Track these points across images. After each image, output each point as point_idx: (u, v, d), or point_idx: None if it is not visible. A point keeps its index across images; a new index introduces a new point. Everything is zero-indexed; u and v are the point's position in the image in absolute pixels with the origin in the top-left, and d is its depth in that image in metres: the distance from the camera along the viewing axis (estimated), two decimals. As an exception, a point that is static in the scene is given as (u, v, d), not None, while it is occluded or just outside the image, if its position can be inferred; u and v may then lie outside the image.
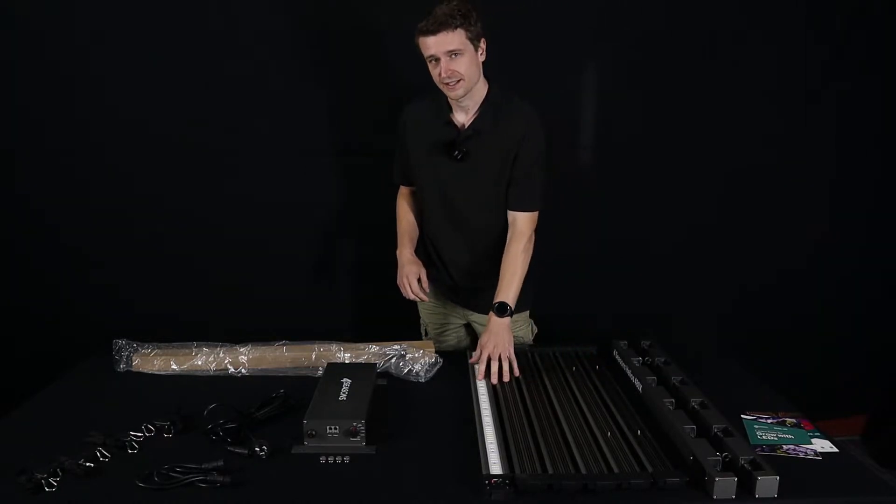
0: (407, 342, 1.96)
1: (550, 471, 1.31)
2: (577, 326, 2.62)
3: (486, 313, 1.87)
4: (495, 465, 1.32)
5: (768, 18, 2.48)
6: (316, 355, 1.82)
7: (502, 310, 1.82)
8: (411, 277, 1.93)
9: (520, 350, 1.90)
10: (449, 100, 1.83)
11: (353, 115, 2.44)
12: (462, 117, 1.86)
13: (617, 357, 1.85)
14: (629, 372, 1.75)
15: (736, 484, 1.24)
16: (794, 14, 2.49)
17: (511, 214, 1.91)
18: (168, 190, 2.42)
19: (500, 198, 1.92)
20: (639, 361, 1.80)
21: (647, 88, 2.54)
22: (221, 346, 1.85)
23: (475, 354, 1.83)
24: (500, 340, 1.78)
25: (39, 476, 1.26)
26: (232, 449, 1.39)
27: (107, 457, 1.36)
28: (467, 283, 2.05)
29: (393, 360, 1.79)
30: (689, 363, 1.75)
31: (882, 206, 2.79)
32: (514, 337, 1.84)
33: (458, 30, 1.69)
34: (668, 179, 2.65)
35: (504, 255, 1.90)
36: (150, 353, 1.83)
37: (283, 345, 1.86)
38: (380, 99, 2.36)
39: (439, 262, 2.07)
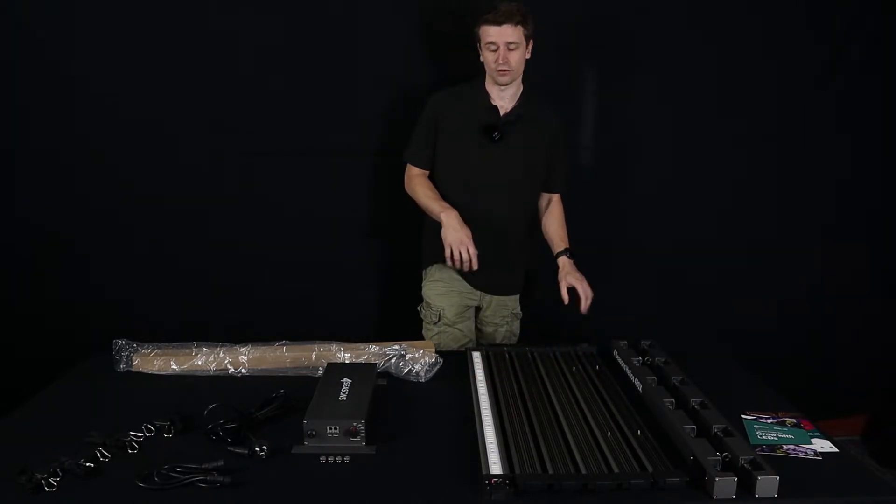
0: (407, 342, 1.96)
1: (550, 471, 1.31)
2: (577, 327, 2.62)
3: (502, 294, 2.25)
4: (495, 465, 1.32)
5: (768, 18, 2.49)
6: (316, 355, 1.82)
7: (568, 253, 2.17)
8: (468, 241, 1.95)
9: (520, 350, 1.93)
10: (489, 88, 2.05)
11: (354, 114, 2.44)
12: (501, 103, 2.07)
13: (617, 357, 1.85)
14: (629, 372, 1.75)
15: (736, 484, 1.24)
16: (794, 14, 2.50)
17: (547, 196, 2.26)
18: (168, 190, 2.43)
19: (527, 183, 2.16)
20: (639, 361, 1.80)
21: (647, 89, 2.54)
22: (221, 346, 1.85)
23: (566, 289, 2.08)
24: (578, 274, 2.12)
25: (39, 476, 1.26)
26: (232, 449, 1.39)
27: (107, 457, 1.36)
28: (488, 267, 2.07)
29: (393, 360, 1.79)
30: (690, 363, 1.75)
31: (882, 206, 2.79)
32: (516, 312, 2.31)
33: (519, 26, 1.93)
34: (668, 180, 2.65)
35: (550, 221, 2.24)
36: (150, 353, 1.83)
37: (283, 345, 1.86)
38: (387, 99, 2.37)
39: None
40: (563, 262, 2.16)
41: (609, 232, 2.70)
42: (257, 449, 1.37)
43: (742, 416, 1.56)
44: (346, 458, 1.37)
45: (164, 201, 2.43)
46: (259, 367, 1.81)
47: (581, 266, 2.67)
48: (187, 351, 1.83)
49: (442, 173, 2.13)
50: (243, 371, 1.80)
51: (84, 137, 2.33)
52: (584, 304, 2.05)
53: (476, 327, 2.29)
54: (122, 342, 1.84)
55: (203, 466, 1.29)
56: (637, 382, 1.69)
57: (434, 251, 2.14)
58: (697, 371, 1.69)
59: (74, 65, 2.26)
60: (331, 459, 1.37)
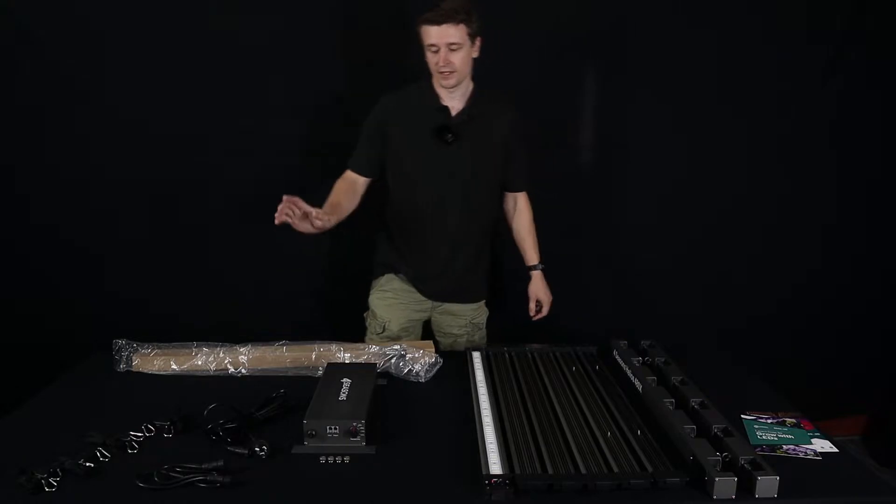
0: (407, 342, 1.96)
1: (550, 471, 1.31)
2: (576, 327, 2.62)
3: (456, 302, 2.16)
4: (495, 465, 1.32)
5: (768, 18, 2.49)
6: (316, 355, 1.82)
7: (541, 266, 2.21)
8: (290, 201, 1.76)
9: (520, 350, 1.93)
10: (437, 88, 1.94)
11: (356, 114, 2.44)
12: (452, 103, 1.96)
13: (617, 357, 1.85)
14: (629, 372, 1.75)
15: (736, 484, 1.24)
16: (795, 14, 2.50)
17: (512, 196, 2.19)
18: (168, 190, 2.42)
19: (483, 185, 2.05)
20: (639, 361, 1.80)
21: (646, 89, 2.54)
22: (221, 346, 1.85)
23: (534, 304, 2.20)
24: (548, 292, 2.21)
25: (39, 476, 1.26)
26: (232, 449, 1.39)
27: (107, 457, 1.36)
28: (439, 272, 2.07)
29: (393, 360, 1.79)
30: (690, 363, 1.75)
31: (882, 206, 2.79)
32: (476, 323, 2.22)
33: (461, 25, 1.80)
34: (668, 180, 2.65)
35: (520, 227, 2.21)
36: (150, 353, 1.83)
37: (283, 345, 1.86)
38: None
39: (413, 254, 2.09)
40: (536, 276, 2.21)
41: (609, 231, 2.70)
42: (257, 449, 1.37)
43: (742, 416, 1.56)
44: (346, 458, 1.37)
45: (164, 201, 2.43)
46: (259, 367, 1.81)
47: (581, 265, 2.69)
48: (187, 351, 1.83)
49: (394, 179, 2.05)
50: (243, 371, 1.80)
51: (84, 137, 2.33)
52: (535, 317, 2.21)
53: (434, 339, 2.20)
54: (122, 342, 1.84)
55: (203, 466, 1.29)
56: (637, 382, 1.69)
57: (385, 261, 2.14)
58: (697, 371, 1.69)
59: (77, 65, 2.26)
60: (331, 459, 1.37)
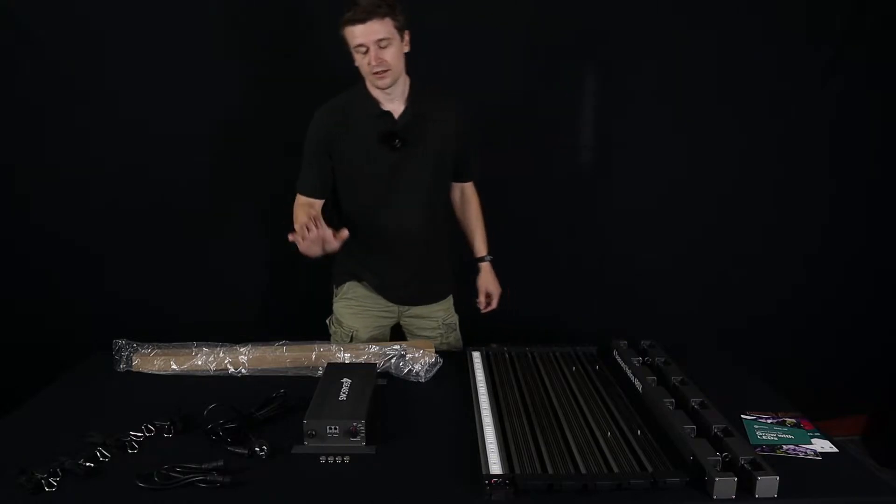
0: (407, 342, 1.96)
1: (550, 471, 1.31)
2: (576, 327, 2.62)
3: (423, 304, 2.09)
4: (495, 465, 1.32)
5: (768, 18, 2.49)
6: (316, 355, 1.82)
7: (489, 258, 2.16)
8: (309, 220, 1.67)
9: (520, 350, 1.92)
10: (374, 92, 1.82)
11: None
12: (392, 106, 1.85)
13: (617, 357, 1.85)
14: (629, 372, 1.75)
15: (736, 484, 1.24)
16: (795, 14, 2.50)
17: (459, 186, 2.11)
18: (168, 190, 2.42)
19: (436, 185, 1.99)
20: (639, 361, 1.80)
21: (646, 89, 2.54)
22: (221, 346, 1.85)
23: (483, 297, 2.14)
24: (496, 284, 2.16)
25: (39, 476, 1.26)
26: (232, 449, 1.39)
27: (107, 457, 1.36)
28: (407, 278, 2.03)
29: (393, 360, 1.79)
30: (689, 363, 1.75)
31: (882, 206, 2.79)
32: (449, 324, 2.15)
33: (387, 18, 1.70)
34: (668, 180, 2.65)
35: (469, 217, 2.14)
36: (150, 353, 1.83)
37: (283, 345, 1.85)
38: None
39: (375, 263, 2.02)
40: (486, 268, 2.15)
41: (609, 231, 2.70)
42: (257, 449, 1.37)
43: (742, 416, 1.56)
44: (346, 458, 1.37)
45: (164, 201, 2.43)
46: (259, 367, 1.81)
47: (581, 266, 2.69)
48: (187, 351, 1.83)
49: (345, 194, 1.94)
50: (243, 371, 1.80)
51: (84, 136, 2.33)
52: (485, 310, 2.16)
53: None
54: (122, 342, 1.84)
55: (203, 466, 1.29)
56: (637, 382, 1.69)
57: (346, 268, 2.05)
58: (697, 371, 1.69)
59: (77, 64, 2.26)
60: (331, 459, 1.37)
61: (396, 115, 1.86)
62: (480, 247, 2.16)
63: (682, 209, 2.68)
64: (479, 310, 2.18)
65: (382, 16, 1.69)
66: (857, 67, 2.58)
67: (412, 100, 1.86)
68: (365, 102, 1.84)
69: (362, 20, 1.67)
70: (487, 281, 2.16)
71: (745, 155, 2.64)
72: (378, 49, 1.71)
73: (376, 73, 1.73)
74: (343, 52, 1.78)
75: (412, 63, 1.84)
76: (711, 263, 2.74)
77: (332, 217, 1.94)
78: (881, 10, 2.53)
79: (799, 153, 2.67)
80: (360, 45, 1.71)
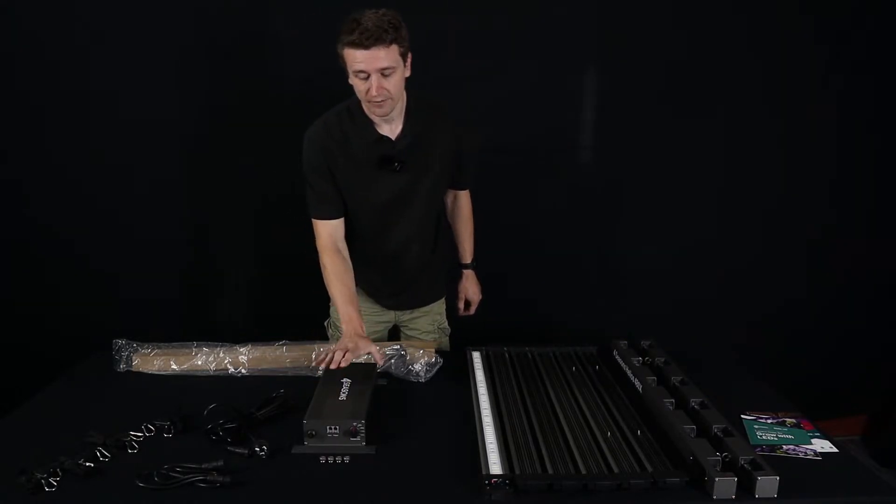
0: (407, 342, 1.96)
1: (550, 471, 1.31)
2: (576, 327, 2.62)
3: (419, 307, 2.08)
4: (495, 465, 1.32)
5: (768, 18, 2.49)
6: (316, 355, 1.82)
7: (472, 265, 2.17)
8: (352, 354, 1.64)
9: (520, 350, 1.93)
10: (368, 113, 1.71)
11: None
12: (388, 129, 1.75)
13: (617, 357, 1.85)
14: (629, 372, 1.75)
15: (736, 484, 1.24)
16: (795, 14, 2.50)
17: (453, 192, 2.06)
18: (168, 190, 2.43)
19: (435, 202, 1.94)
20: (639, 361, 1.80)
21: (646, 89, 2.54)
22: (221, 346, 1.85)
23: (462, 303, 2.17)
24: (478, 290, 2.18)
25: (39, 476, 1.26)
26: (232, 449, 1.39)
27: (107, 457, 1.36)
28: (400, 289, 2.02)
29: (393, 360, 1.79)
30: (689, 363, 1.75)
31: (882, 206, 2.79)
32: (444, 328, 2.15)
33: (392, 45, 1.56)
34: (668, 180, 2.65)
35: (458, 224, 2.11)
36: (150, 353, 1.83)
37: (283, 345, 1.86)
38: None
39: (369, 273, 1.99)
40: (469, 274, 2.17)
41: (609, 231, 2.70)
42: (257, 449, 1.37)
43: (742, 416, 1.56)
44: (346, 458, 1.38)
45: (164, 201, 2.43)
46: (259, 367, 1.81)
47: (581, 265, 2.69)
48: (187, 351, 1.83)
49: (346, 215, 1.86)
50: (243, 371, 1.80)
51: (84, 136, 2.33)
52: (462, 314, 2.20)
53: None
54: (121, 342, 1.84)
55: (203, 466, 1.29)
56: (637, 382, 1.69)
57: None
58: (697, 371, 1.69)
59: (74, 63, 2.26)
60: (331, 459, 1.37)
61: (394, 137, 1.75)
62: (466, 253, 2.15)
63: (682, 209, 2.68)
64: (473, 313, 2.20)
65: (389, 43, 1.54)
66: (857, 67, 2.58)
67: (410, 120, 1.75)
68: (359, 126, 1.73)
69: (365, 46, 1.53)
70: (468, 287, 2.18)
71: (745, 155, 2.64)
72: (380, 78, 1.58)
73: (376, 102, 1.62)
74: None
75: (413, 63, 1.84)
76: (712, 263, 2.74)
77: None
78: (881, 10, 2.53)
79: (800, 153, 2.67)
80: (361, 72, 1.58)
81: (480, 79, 2.40)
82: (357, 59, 1.56)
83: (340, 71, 1.63)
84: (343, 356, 1.62)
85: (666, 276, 2.73)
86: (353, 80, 1.63)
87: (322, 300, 2.15)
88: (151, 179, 2.41)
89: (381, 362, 1.70)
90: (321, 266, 1.82)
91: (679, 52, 2.50)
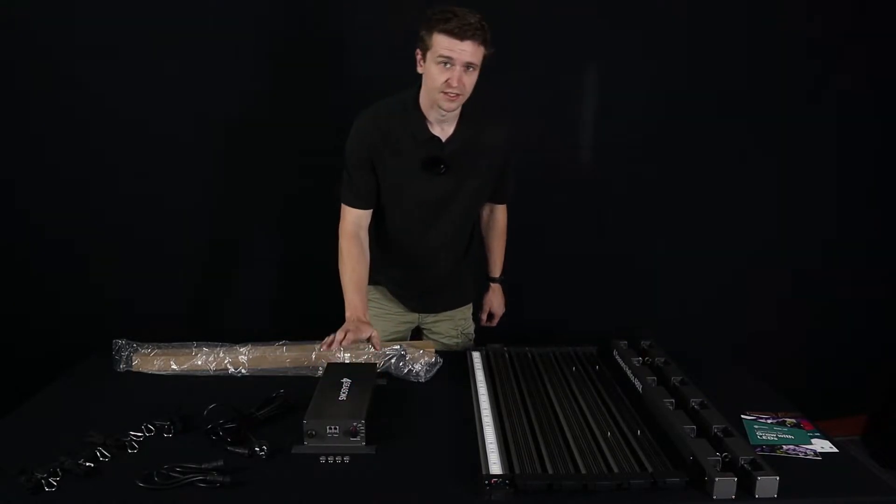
0: (407, 342, 1.96)
1: (550, 471, 1.31)
2: (576, 327, 2.62)
3: (444, 310, 2.09)
4: (495, 465, 1.32)
5: (769, 19, 2.49)
6: (316, 355, 1.82)
7: (500, 279, 2.18)
8: (353, 335, 1.68)
9: (520, 350, 1.93)
10: (425, 109, 1.71)
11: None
12: (440, 129, 1.75)
13: (617, 357, 1.85)
14: (629, 372, 1.75)
15: (736, 484, 1.24)
16: (795, 14, 2.50)
17: (490, 206, 2.06)
18: (168, 190, 2.43)
19: (474, 210, 1.95)
20: (639, 361, 1.80)
21: (647, 89, 2.54)
22: (221, 346, 1.85)
23: (485, 315, 2.19)
24: (502, 303, 2.20)
25: (39, 476, 1.26)
26: (232, 449, 1.39)
27: (107, 457, 1.36)
28: (429, 290, 2.02)
29: (393, 360, 1.79)
30: (689, 363, 1.75)
31: (882, 207, 2.80)
32: (467, 333, 2.16)
33: (482, 46, 1.60)
34: (667, 180, 2.65)
35: (492, 237, 2.11)
36: (150, 353, 1.83)
37: (283, 345, 1.85)
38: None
39: (398, 273, 2.00)
40: (496, 287, 2.18)
41: (609, 231, 2.70)
42: (257, 449, 1.37)
43: (742, 416, 1.56)
44: (346, 458, 1.37)
45: (164, 201, 2.43)
46: (259, 367, 1.81)
47: (581, 265, 2.70)
48: (187, 351, 1.83)
49: (390, 206, 1.86)
50: (243, 371, 1.80)
51: (83, 137, 2.33)
52: (484, 323, 2.22)
53: None
54: (122, 342, 1.84)
55: (203, 466, 1.29)
56: (637, 382, 1.69)
57: (370, 272, 1.94)
58: (697, 371, 1.69)
59: (72, 64, 2.26)
60: (331, 459, 1.37)
61: (444, 138, 1.75)
62: (496, 267, 2.16)
63: (682, 209, 2.69)
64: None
65: (481, 41, 1.59)
66: (857, 67, 2.58)
67: (463, 124, 1.75)
68: (412, 121, 1.72)
69: (461, 37, 1.56)
70: (493, 301, 2.19)
71: (745, 155, 2.64)
72: (463, 71, 1.60)
73: (448, 93, 1.62)
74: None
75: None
76: (712, 264, 2.74)
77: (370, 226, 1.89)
78: (881, 10, 2.53)
79: (801, 154, 2.67)
80: (447, 59, 1.58)
81: (480, 78, 2.40)
82: (449, 46, 1.57)
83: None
84: (344, 336, 1.66)
85: (666, 276, 2.73)
86: (430, 68, 1.62)
87: (327, 300, 2.15)
88: (152, 179, 2.40)
89: (378, 348, 1.75)
90: (339, 249, 1.84)
91: (679, 51, 2.50)
